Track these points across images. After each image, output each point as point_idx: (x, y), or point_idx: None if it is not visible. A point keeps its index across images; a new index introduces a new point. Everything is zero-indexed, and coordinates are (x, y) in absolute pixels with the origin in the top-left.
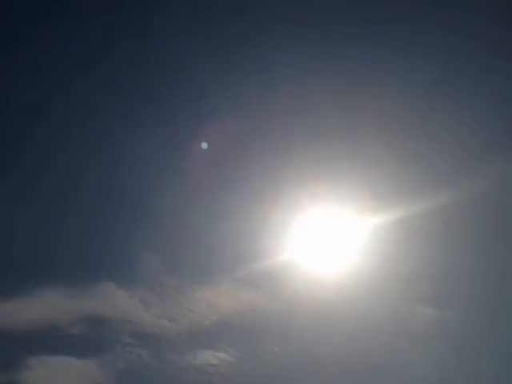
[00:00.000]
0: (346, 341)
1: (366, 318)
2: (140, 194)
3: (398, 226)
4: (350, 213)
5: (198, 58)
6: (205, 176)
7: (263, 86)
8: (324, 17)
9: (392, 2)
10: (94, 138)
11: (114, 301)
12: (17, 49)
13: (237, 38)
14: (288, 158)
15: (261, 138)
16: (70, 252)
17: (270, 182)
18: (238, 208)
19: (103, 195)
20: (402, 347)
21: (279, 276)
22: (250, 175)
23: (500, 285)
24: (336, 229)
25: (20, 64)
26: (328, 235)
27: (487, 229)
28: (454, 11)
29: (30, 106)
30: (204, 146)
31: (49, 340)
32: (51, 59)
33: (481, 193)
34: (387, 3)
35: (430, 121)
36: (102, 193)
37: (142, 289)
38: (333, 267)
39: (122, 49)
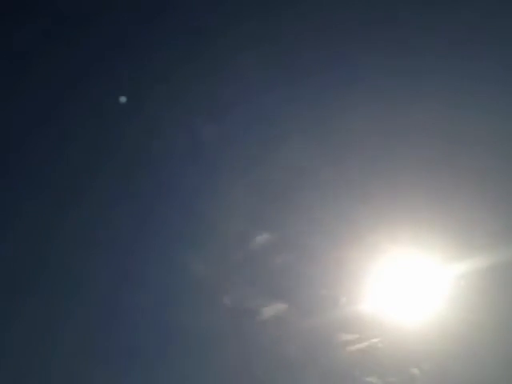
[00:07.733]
0: None
1: (452, 370)
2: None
3: (485, 274)
4: (435, 260)
5: None
6: (284, 222)
7: (340, 124)
8: None
9: None
10: None
11: None
12: None
13: None
14: (369, 202)
15: (339, 182)
16: None
17: (352, 227)
18: (317, 254)
19: None
20: None
21: (359, 324)
22: (330, 220)
23: None
24: (420, 276)
25: None
26: (411, 283)
27: None
28: None
29: None
30: (122, 99)
31: None
32: None
33: None
34: None
35: None
36: None
37: None
38: (415, 317)
39: None
